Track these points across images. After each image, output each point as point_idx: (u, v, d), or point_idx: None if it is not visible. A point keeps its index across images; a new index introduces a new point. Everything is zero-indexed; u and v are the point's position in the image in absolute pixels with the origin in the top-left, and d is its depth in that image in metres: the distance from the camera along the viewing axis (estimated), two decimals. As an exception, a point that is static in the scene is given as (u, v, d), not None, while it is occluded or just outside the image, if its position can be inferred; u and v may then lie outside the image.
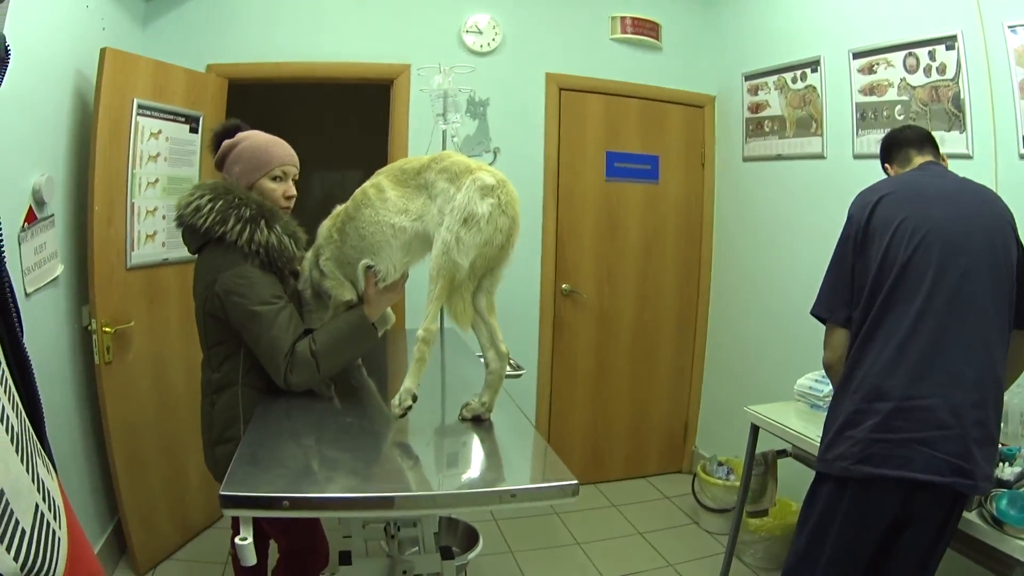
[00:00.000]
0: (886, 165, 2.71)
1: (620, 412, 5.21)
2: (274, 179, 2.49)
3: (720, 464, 4.50)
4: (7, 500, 0.83)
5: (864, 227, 2.36)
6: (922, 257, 2.23)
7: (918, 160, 2.57)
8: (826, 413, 2.49)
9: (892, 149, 2.67)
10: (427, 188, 2.24)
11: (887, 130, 3.44)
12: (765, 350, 4.52)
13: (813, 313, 2.55)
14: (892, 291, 2.25)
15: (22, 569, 0.84)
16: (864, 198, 2.46)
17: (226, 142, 2.50)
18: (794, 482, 3.77)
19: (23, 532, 0.85)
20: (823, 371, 3.38)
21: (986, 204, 2.36)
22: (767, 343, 4.50)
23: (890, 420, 2.19)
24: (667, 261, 5.19)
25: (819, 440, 2.49)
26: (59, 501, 1.02)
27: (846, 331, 2.42)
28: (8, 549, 0.82)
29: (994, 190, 2.96)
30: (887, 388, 2.21)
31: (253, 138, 2.49)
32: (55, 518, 0.96)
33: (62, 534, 0.97)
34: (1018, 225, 2.36)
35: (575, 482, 1.84)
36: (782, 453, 3.39)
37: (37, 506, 0.91)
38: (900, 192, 2.39)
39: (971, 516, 2.28)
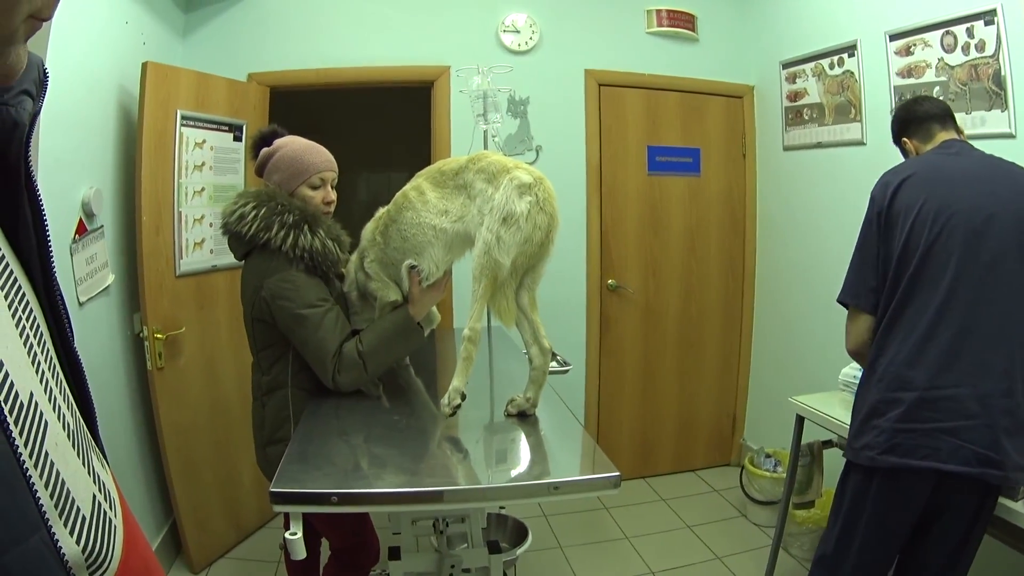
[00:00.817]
0: (904, 139, 2.62)
1: (668, 406, 5.20)
2: (312, 187, 2.52)
3: (768, 456, 4.47)
4: (68, 489, 0.87)
5: (887, 210, 2.32)
6: (945, 243, 2.18)
7: (941, 136, 2.49)
8: (853, 401, 2.47)
9: (911, 123, 2.59)
10: (466, 188, 2.27)
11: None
12: (811, 339, 4.48)
13: (840, 300, 2.51)
14: (914, 278, 2.21)
15: (83, 552, 0.88)
16: (886, 179, 2.41)
17: (264, 150, 2.54)
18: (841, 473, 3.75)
19: (84, 519, 0.90)
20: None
21: (1014, 182, 2.28)
22: (813, 332, 4.47)
23: (916, 410, 2.16)
24: (711, 253, 5.16)
25: (845, 425, 2.47)
26: (114, 493, 1.06)
27: (871, 317, 2.38)
28: (71, 533, 0.86)
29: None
30: (911, 377, 2.18)
31: (290, 146, 2.52)
32: (111, 507, 1.00)
33: (118, 522, 1.01)
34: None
35: (617, 474, 1.86)
36: (828, 444, 3.36)
37: (94, 496, 0.95)
38: (922, 174, 2.33)
39: (1016, 506, 2.24)
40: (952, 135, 2.49)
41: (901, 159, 3.61)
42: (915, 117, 2.58)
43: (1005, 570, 3.00)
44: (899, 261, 2.25)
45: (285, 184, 2.49)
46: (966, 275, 2.16)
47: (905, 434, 2.17)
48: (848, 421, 2.95)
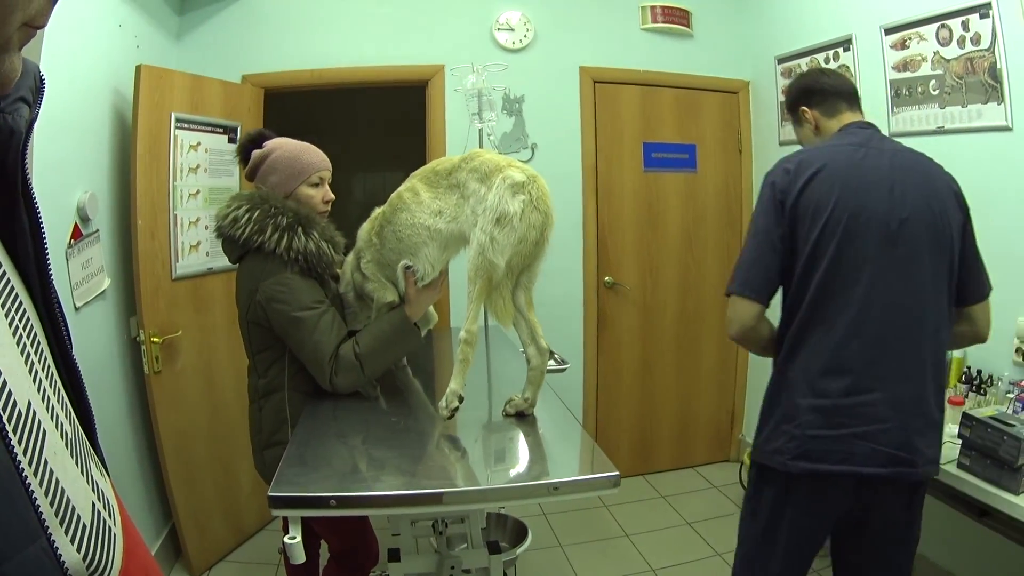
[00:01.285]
0: (803, 108, 2.44)
1: (666, 403, 5.19)
2: (312, 185, 2.52)
3: (767, 451, 4.47)
4: (68, 497, 0.87)
5: (794, 202, 2.14)
6: (860, 248, 2.09)
7: (848, 116, 2.36)
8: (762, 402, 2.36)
9: (816, 94, 2.42)
10: (459, 188, 2.26)
11: (921, 107, 3.40)
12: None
13: (739, 293, 2.23)
14: (827, 282, 2.11)
15: (83, 560, 0.88)
16: (787, 167, 2.21)
17: (257, 152, 2.52)
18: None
19: (84, 527, 0.90)
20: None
21: (927, 180, 2.20)
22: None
23: (831, 417, 2.11)
24: (708, 249, 5.15)
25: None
26: (113, 501, 1.06)
27: (763, 307, 2.23)
28: (72, 541, 0.86)
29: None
30: (826, 386, 2.12)
31: (285, 147, 2.52)
32: (110, 516, 1.00)
33: (117, 531, 1.01)
34: None
35: (616, 473, 1.85)
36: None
37: (94, 504, 0.95)
38: (833, 169, 2.16)
39: (1018, 500, 2.23)
40: (859, 116, 2.38)
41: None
42: (821, 88, 2.42)
43: (1007, 564, 3.01)
44: (808, 261, 2.14)
45: (284, 184, 2.48)
46: (881, 282, 2.09)
47: (818, 440, 2.11)
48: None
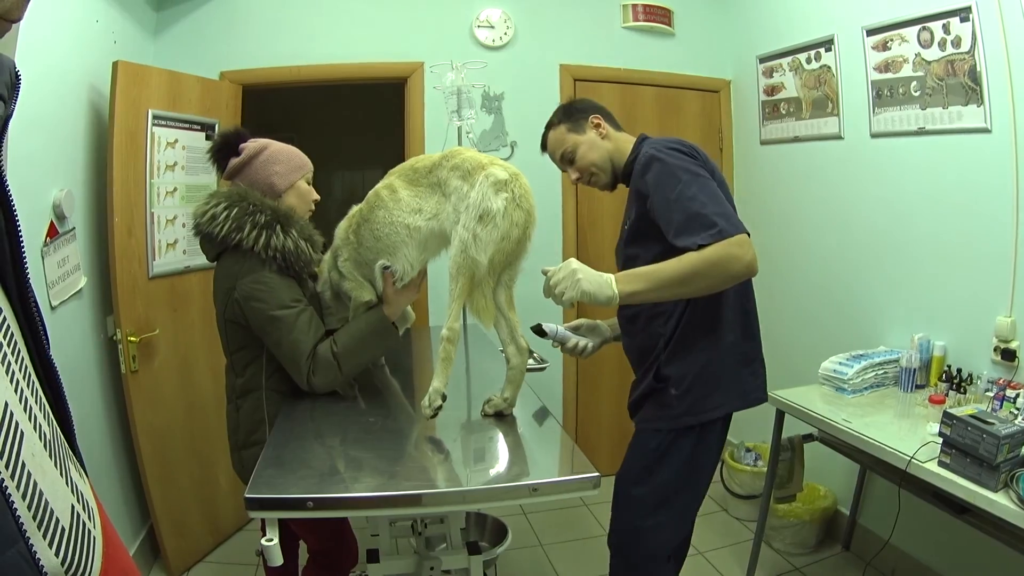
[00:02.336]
0: (597, 116, 2.72)
1: (647, 401, 5.17)
2: (308, 181, 2.56)
3: (748, 450, 4.48)
4: (46, 500, 0.86)
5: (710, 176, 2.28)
6: None
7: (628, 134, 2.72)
8: (689, 362, 2.55)
9: (602, 111, 2.77)
10: (440, 186, 2.24)
11: (903, 108, 3.41)
12: (789, 333, 4.48)
13: (745, 232, 2.21)
14: None
15: (63, 564, 0.87)
16: (695, 147, 2.37)
17: (249, 146, 2.49)
18: (821, 466, 3.75)
19: (63, 530, 0.89)
20: (847, 354, 3.38)
21: None
22: (790, 327, 4.46)
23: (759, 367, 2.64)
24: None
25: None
26: (92, 503, 1.05)
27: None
28: (51, 545, 0.85)
29: (1014, 163, 2.95)
30: (748, 349, 2.60)
31: (276, 144, 2.53)
32: (90, 518, 0.99)
33: (97, 533, 1.00)
34: None
35: (596, 474, 1.84)
36: (808, 438, 3.38)
37: (73, 507, 0.94)
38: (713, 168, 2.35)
39: (997, 497, 2.24)
40: None
41: (877, 151, 3.61)
42: (606, 110, 2.77)
43: (985, 559, 3.02)
44: None
45: (288, 175, 2.49)
46: None
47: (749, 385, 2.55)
48: (828, 415, 2.97)
